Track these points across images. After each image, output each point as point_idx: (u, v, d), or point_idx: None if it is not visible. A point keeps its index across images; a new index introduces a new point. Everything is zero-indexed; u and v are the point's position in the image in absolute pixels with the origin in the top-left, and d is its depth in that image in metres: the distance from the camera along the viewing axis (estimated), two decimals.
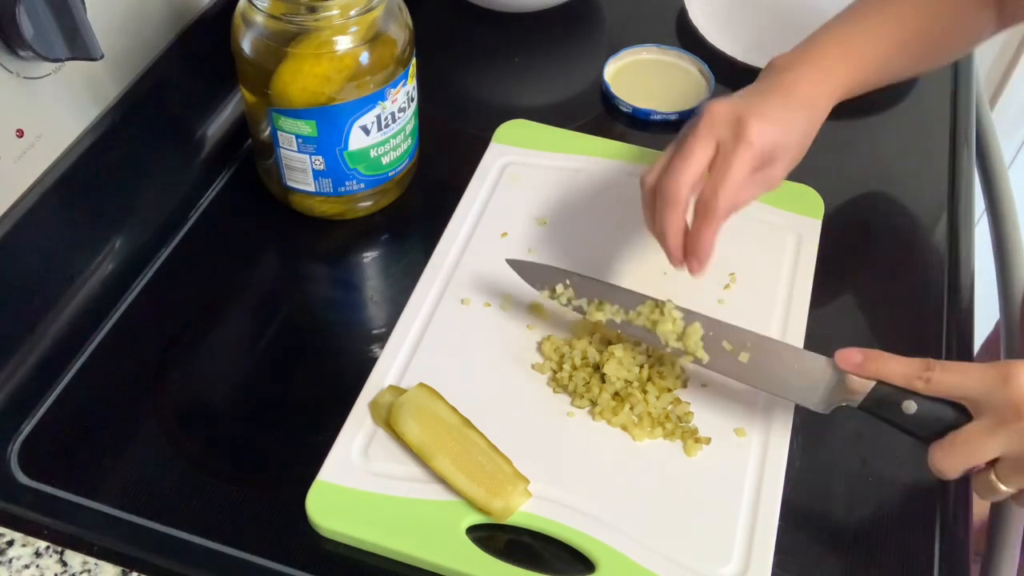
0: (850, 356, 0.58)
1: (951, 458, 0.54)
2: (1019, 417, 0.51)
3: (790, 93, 0.66)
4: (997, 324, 0.89)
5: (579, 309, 0.66)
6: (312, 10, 0.67)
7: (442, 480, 0.60)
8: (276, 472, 0.63)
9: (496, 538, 0.59)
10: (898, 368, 0.56)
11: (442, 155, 0.84)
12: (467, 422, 0.62)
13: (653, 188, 0.63)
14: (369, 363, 0.67)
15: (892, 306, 0.75)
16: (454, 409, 0.62)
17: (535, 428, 0.64)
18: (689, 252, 0.62)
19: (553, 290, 0.67)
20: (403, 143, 0.76)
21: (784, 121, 0.64)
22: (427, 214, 0.79)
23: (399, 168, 0.78)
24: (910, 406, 0.56)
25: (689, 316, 0.64)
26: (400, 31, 0.72)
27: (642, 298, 0.65)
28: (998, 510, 0.68)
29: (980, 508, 0.64)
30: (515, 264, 0.69)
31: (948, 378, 0.54)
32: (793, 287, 0.72)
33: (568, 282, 0.67)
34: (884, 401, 0.57)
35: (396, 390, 0.64)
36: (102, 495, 0.61)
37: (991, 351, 0.95)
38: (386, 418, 0.63)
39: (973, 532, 0.62)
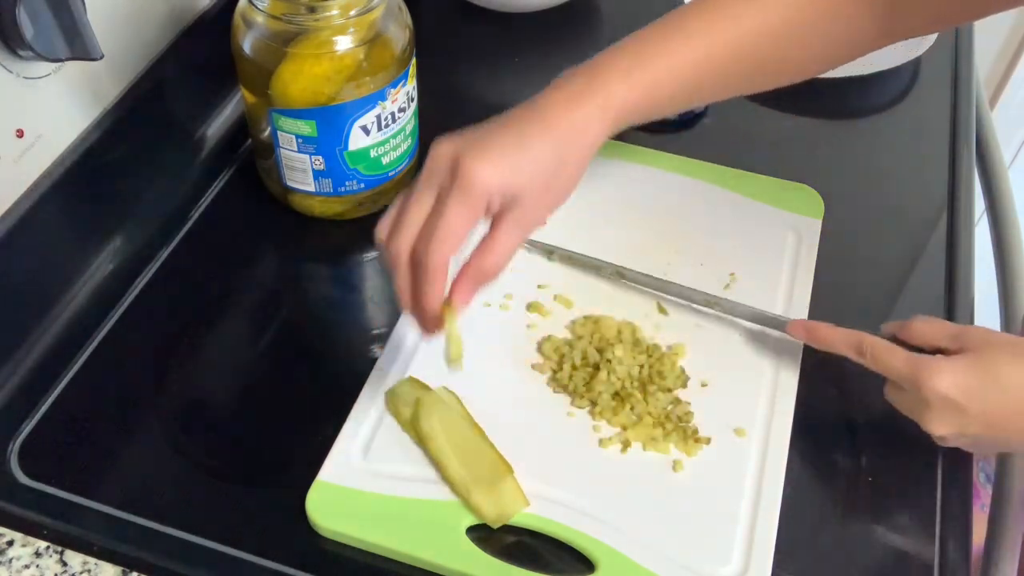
0: (797, 330, 0.66)
1: (893, 402, 0.62)
2: (921, 418, 0.59)
3: (537, 121, 0.57)
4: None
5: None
6: (312, 10, 0.67)
7: (444, 481, 0.60)
8: (276, 472, 0.63)
9: (496, 538, 0.59)
10: (835, 346, 0.64)
11: None
12: (482, 433, 0.62)
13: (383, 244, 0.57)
14: (369, 363, 0.67)
15: (892, 306, 0.75)
16: (473, 420, 0.63)
17: (535, 428, 0.64)
18: (416, 313, 0.57)
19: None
20: (403, 143, 0.76)
21: (515, 158, 0.55)
22: None
23: (399, 168, 0.78)
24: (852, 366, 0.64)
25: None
26: (400, 31, 0.72)
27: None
28: (997, 513, 0.68)
29: (979, 528, 0.65)
30: None
31: (875, 364, 0.61)
32: (793, 287, 0.72)
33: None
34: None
35: (416, 382, 0.64)
36: (102, 495, 0.61)
37: None
38: (399, 408, 0.63)
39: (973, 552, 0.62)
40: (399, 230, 0.55)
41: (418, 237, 0.55)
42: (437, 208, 0.55)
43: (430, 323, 0.57)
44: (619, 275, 0.72)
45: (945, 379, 0.57)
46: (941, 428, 0.58)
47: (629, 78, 0.60)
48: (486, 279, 0.57)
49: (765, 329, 0.69)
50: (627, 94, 0.60)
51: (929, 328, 0.61)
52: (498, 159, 0.55)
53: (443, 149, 0.56)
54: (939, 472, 0.64)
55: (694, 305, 0.71)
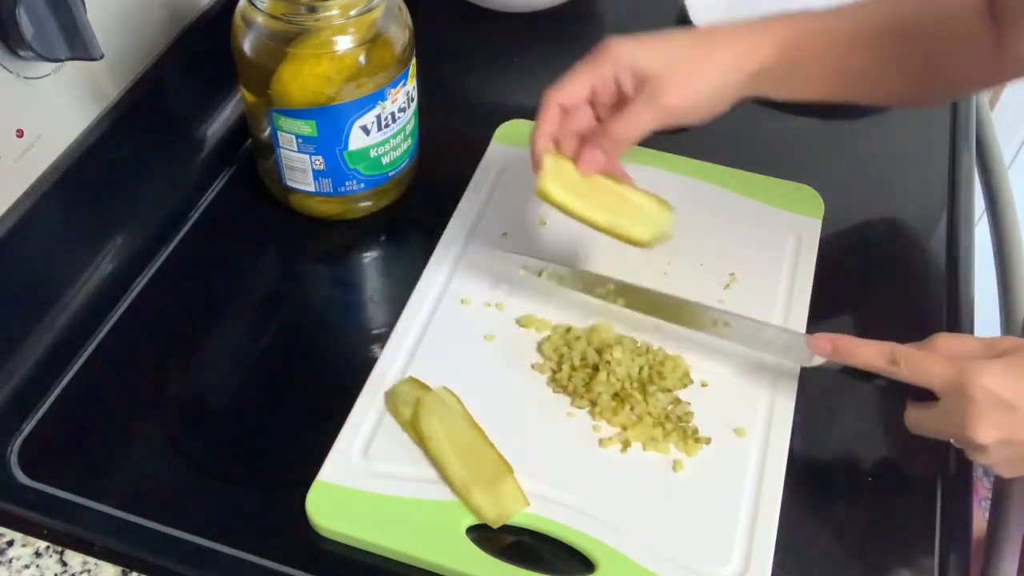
0: (821, 345, 0.62)
1: (917, 428, 0.60)
2: (965, 424, 0.55)
3: (692, 31, 0.66)
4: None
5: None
6: (312, 10, 0.67)
7: (444, 481, 0.60)
8: (276, 472, 0.63)
9: (496, 538, 0.59)
10: (866, 360, 0.60)
11: (442, 155, 0.84)
12: (482, 433, 0.62)
13: None
14: (369, 363, 0.67)
15: (892, 306, 0.75)
16: (473, 420, 0.63)
17: (535, 428, 0.64)
18: (533, 159, 0.66)
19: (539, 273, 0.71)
20: (403, 143, 0.76)
21: (653, 42, 0.63)
22: (427, 214, 0.79)
23: (399, 168, 0.78)
24: (881, 382, 0.61)
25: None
26: (400, 31, 0.72)
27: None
28: (998, 510, 0.68)
29: (978, 522, 0.65)
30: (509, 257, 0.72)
31: (911, 374, 0.58)
32: (793, 287, 0.72)
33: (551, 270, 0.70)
34: (858, 373, 0.62)
35: (416, 382, 0.65)
36: (102, 495, 0.61)
37: None
38: (399, 408, 0.63)
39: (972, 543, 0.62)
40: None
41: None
42: (579, 69, 0.64)
43: (533, 157, 0.65)
44: (618, 295, 0.69)
45: (992, 376, 0.54)
46: (989, 432, 0.54)
47: (788, 21, 0.65)
48: (609, 144, 0.64)
49: (765, 328, 0.69)
50: (782, 30, 0.65)
51: (955, 342, 0.58)
52: (636, 40, 0.63)
53: (609, 38, 0.65)
54: (940, 471, 0.64)
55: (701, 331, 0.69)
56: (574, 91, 0.64)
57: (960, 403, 0.55)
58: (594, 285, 0.69)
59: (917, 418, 0.59)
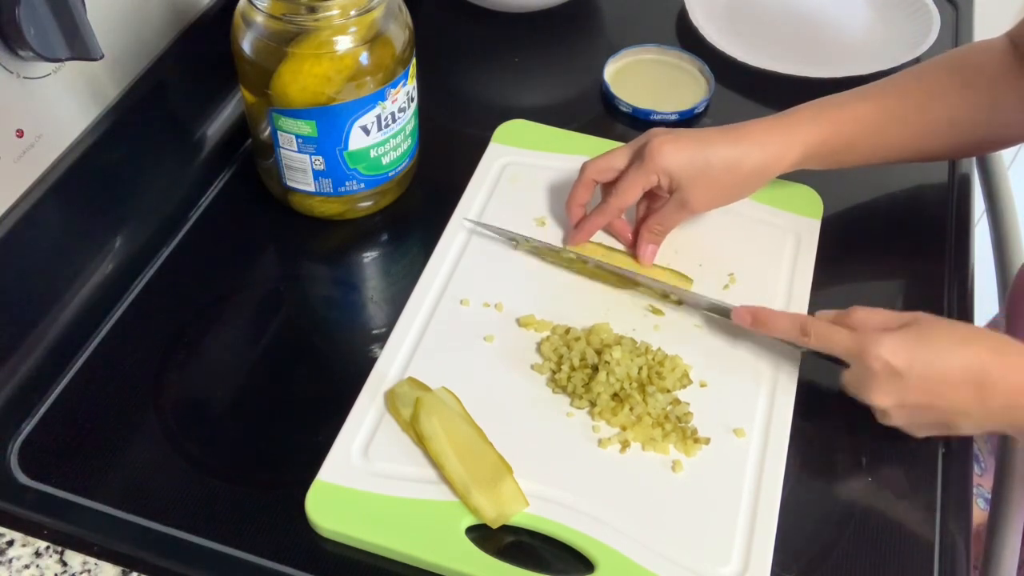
0: (743, 316, 0.67)
1: (846, 387, 0.63)
2: (865, 390, 0.61)
3: (725, 132, 0.70)
4: (995, 320, 0.89)
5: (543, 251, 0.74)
6: (312, 10, 0.67)
7: (444, 481, 0.60)
8: (276, 472, 0.63)
9: (496, 538, 0.59)
10: (782, 330, 0.65)
11: (442, 155, 0.84)
12: (482, 433, 0.62)
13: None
14: (369, 363, 0.67)
15: (891, 307, 0.75)
16: (472, 421, 0.63)
17: (534, 428, 0.64)
18: (577, 229, 0.74)
19: (516, 242, 0.75)
20: (403, 143, 0.76)
21: (691, 152, 0.69)
22: (427, 214, 0.79)
23: (399, 168, 0.78)
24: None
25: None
26: (400, 31, 0.72)
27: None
28: (997, 511, 0.68)
29: (979, 513, 0.65)
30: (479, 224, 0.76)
31: (818, 343, 0.63)
32: (792, 287, 0.72)
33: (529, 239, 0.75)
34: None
35: (416, 382, 0.65)
36: (102, 495, 0.61)
37: None
38: (399, 408, 0.63)
39: (972, 537, 0.62)
40: (595, 163, 0.73)
41: (610, 188, 0.73)
42: (624, 172, 0.71)
43: (573, 225, 0.74)
44: (582, 262, 0.73)
45: (886, 347, 0.59)
46: (883, 398, 0.60)
47: (817, 116, 0.71)
48: (654, 239, 0.73)
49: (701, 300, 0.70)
50: (813, 128, 0.70)
51: (868, 313, 0.63)
52: (680, 149, 0.69)
53: (655, 131, 0.71)
54: (939, 471, 0.64)
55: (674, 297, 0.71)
56: (634, 194, 0.71)
57: (860, 371, 0.61)
58: (559, 254, 0.74)
59: (844, 376, 0.63)
